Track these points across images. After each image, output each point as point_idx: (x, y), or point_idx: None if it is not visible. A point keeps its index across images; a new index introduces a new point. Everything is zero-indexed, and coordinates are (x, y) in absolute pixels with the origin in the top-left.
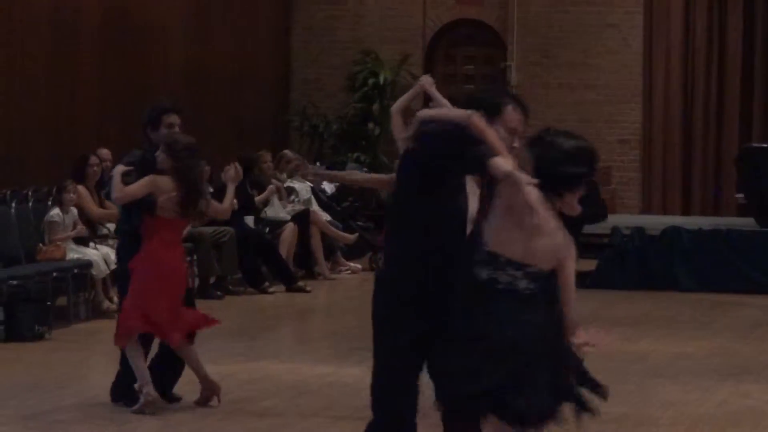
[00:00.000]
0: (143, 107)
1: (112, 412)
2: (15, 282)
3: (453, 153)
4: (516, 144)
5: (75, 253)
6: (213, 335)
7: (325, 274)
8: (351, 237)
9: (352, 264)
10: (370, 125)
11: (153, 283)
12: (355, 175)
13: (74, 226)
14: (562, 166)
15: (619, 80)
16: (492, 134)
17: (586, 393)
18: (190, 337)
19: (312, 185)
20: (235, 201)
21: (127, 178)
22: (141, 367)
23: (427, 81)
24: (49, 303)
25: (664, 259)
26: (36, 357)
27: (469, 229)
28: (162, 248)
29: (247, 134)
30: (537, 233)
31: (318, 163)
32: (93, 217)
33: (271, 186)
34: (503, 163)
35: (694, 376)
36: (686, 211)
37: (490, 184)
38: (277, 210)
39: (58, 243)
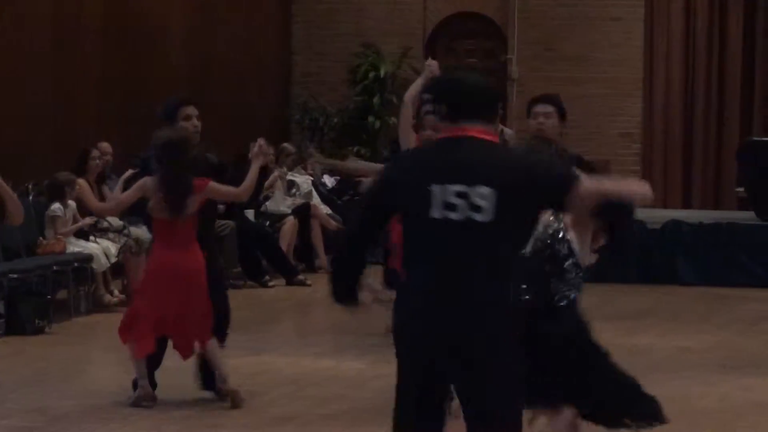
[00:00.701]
0: (145, 101)
1: (114, 405)
2: (15, 276)
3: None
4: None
5: (75, 246)
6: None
7: (325, 267)
8: None
9: None
10: (371, 119)
11: (156, 285)
12: (360, 164)
13: (74, 220)
14: None
15: (620, 73)
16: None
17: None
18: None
19: (312, 179)
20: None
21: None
22: (138, 360)
23: (435, 66)
24: (49, 297)
25: (664, 252)
26: (36, 351)
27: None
28: (164, 250)
29: (247, 127)
30: None
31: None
32: (93, 211)
33: (275, 173)
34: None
35: (696, 370)
36: (687, 205)
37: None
38: (277, 203)
39: (61, 237)
